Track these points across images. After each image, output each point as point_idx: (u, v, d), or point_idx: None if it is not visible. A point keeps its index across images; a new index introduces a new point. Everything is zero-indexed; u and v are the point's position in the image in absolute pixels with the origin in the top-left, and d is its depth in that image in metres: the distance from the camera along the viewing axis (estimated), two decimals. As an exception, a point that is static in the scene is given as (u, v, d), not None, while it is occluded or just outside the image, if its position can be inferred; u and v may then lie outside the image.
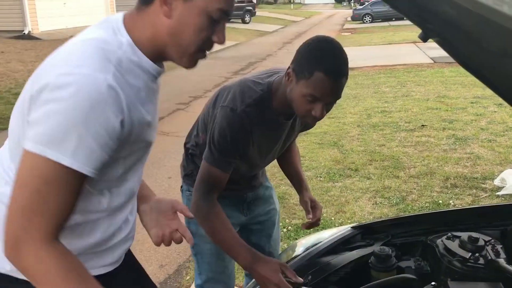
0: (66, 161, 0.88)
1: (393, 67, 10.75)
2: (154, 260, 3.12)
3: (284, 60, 13.14)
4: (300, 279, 1.38)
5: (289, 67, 1.43)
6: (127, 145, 1.02)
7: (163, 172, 4.57)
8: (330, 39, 1.40)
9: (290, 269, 1.42)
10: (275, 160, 1.81)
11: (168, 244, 1.27)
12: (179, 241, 1.26)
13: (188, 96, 8.34)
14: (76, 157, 0.89)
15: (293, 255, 1.61)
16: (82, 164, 0.90)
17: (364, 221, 3.46)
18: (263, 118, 1.49)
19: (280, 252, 2.00)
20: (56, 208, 0.92)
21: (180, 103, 7.79)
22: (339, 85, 1.36)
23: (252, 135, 1.49)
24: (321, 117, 1.39)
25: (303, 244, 1.63)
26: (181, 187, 1.83)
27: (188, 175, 1.76)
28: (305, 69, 1.35)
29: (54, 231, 0.93)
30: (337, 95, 1.38)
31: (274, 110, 1.51)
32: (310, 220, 1.75)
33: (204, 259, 1.79)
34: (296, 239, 3.12)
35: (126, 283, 1.29)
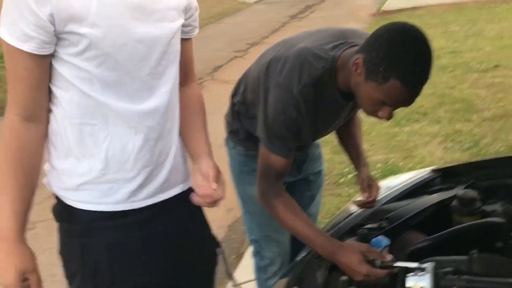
0: (6, 38, 1.00)
1: (462, 4, 10.00)
2: (222, 204, 3.19)
3: (343, 0, 12.59)
4: (389, 256, 1.25)
5: (357, 55, 1.19)
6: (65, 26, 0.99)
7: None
8: (416, 33, 1.14)
9: (374, 249, 1.28)
10: None
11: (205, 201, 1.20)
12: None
13: (245, 43, 8.23)
14: (12, 34, 0.99)
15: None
16: (16, 40, 0.99)
17: (434, 166, 3.34)
18: (322, 98, 1.30)
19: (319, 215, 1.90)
20: (17, 84, 1.04)
21: (237, 50, 7.72)
22: (418, 93, 1.16)
23: (308, 116, 1.31)
24: (388, 119, 1.21)
25: (381, 187, 1.57)
26: (226, 140, 1.74)
27: (234, 132, 1.66)
28: (379, 71, 1.12)
29: (21, 107, 1.05)
30: (412, 102, 1.18)
31: (335, 90, 1.31)
32: (364, 199, 1.55)
33: (254, 219, 1.73)
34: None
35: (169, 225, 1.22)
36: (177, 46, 1.18)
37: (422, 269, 1.15)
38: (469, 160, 3.39)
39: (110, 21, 1.02)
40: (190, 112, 1.28)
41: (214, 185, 1.17)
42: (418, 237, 1.38)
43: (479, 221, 1.35)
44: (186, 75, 1.27)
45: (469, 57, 6.04)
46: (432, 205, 1.46)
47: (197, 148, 1.27)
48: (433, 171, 1.60)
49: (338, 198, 3.17)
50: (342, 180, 3.38)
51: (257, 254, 1.81)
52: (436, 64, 4.89)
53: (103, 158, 1.11)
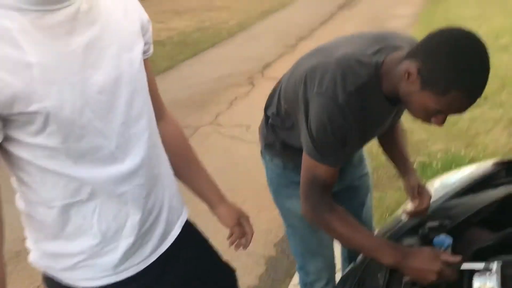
0: None
1: (522, -23, 9.42)
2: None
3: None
4: (457, 257, 1.20)
5: (408, 61, 1.14)
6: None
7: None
8: (475, 41, 1.09)
9: (442, 252, 1.24)
10: None
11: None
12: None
13: (294, 37, 8.18)
14: None
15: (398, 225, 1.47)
16: None
17: (498, 153, 3.19)
18: (368, 105, 1.26)
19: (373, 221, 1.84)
20: None
21: (286, 46, 7.69)
22: (475, 102, 1.12)
23: (355, 124, 1.27)
24: (441, 125, 1.18)
25: (440, 184, 1.52)
26: (262, 153, 1.69)
27: (270, 145, 1.61)
28: (439, 83, 1.09)
29: None
30: (467, 110, 1.15)
31: (381, 96, 1.27)
32: (415, 208, 1.48)
33: (296, 232, 1.69)
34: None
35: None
36: (144, 76, 1.01)
37: (489, 269, 1.11)
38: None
39: (61, 84, 0.84)
40: (179, 159, 1.22)
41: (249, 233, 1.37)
42: (483, 234, 1.33)
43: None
44: (154, 104, 1.09)
45: (532, 34, 5.70)
46: (497, 200, 1.40)
47: (209, 198, 1.33)
48: (496, 164, 1.53)
49: (398, 192, 3.09)
50: (401, 172, 3.30)
51: (301, 269, 1.78)
52: (495, 44, 4.67)
53: (97, 233, 0.98)
